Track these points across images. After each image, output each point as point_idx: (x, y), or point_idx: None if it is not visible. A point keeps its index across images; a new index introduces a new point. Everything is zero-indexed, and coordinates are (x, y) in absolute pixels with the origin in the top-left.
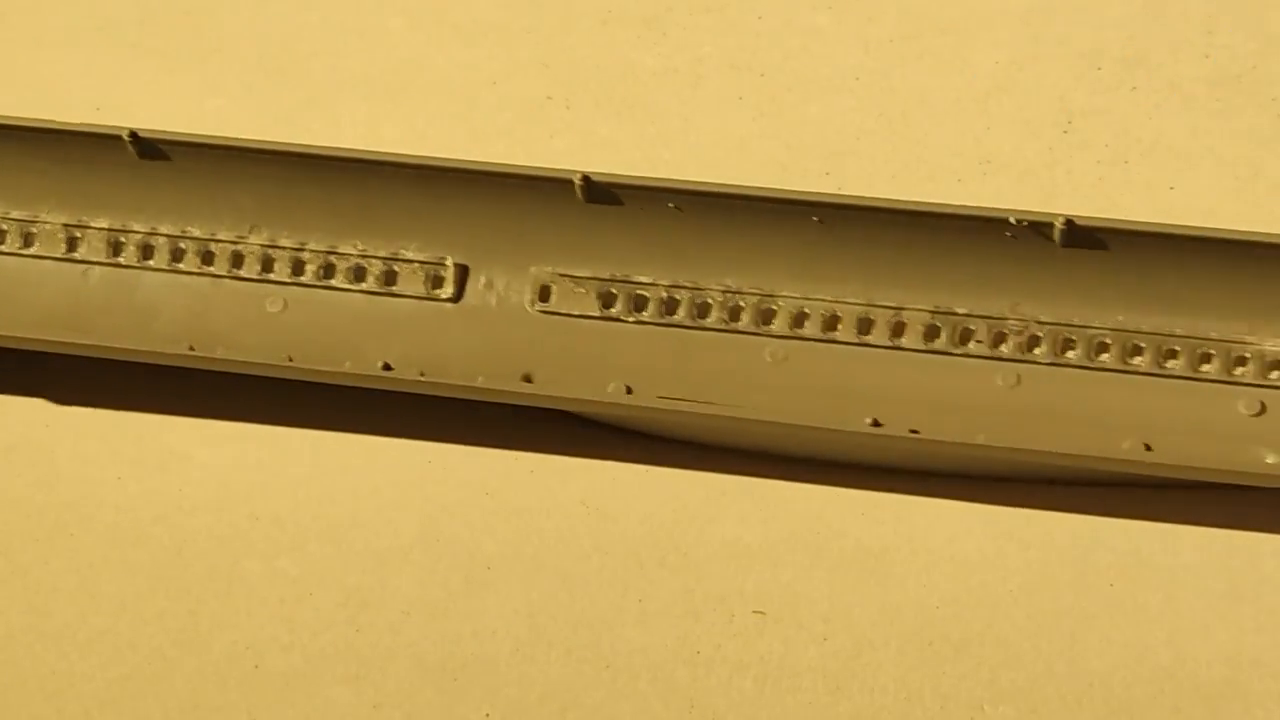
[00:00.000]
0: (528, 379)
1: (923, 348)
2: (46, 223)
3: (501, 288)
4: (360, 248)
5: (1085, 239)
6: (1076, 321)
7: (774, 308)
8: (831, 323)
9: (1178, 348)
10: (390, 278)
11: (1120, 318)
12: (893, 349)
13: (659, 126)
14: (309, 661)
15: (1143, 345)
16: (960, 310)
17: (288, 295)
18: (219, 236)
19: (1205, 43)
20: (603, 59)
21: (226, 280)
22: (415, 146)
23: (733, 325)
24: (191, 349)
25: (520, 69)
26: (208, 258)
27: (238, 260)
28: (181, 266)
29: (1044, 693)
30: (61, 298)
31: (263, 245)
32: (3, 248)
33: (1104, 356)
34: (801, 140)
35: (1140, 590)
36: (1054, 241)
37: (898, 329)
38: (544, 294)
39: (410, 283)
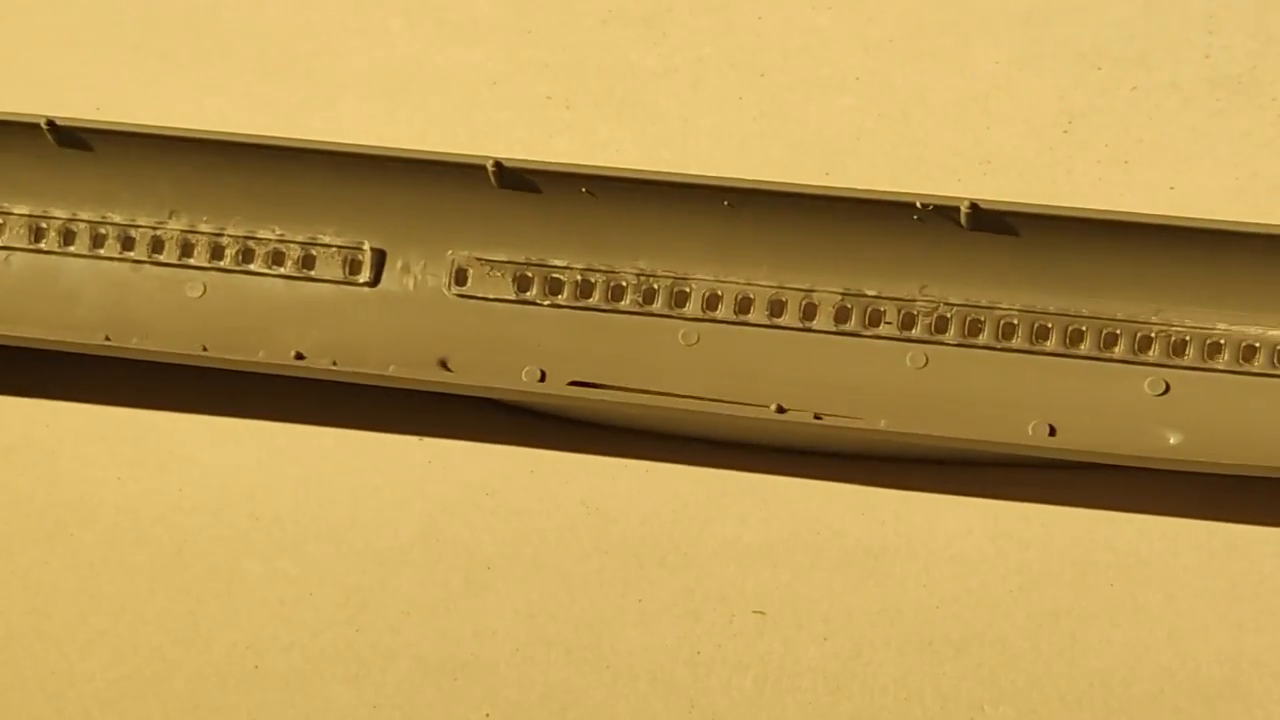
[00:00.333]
0: (444, 364)
1: (834, 329)
2: None
3: (419, 272)
4: (278, 232)
5: (991, 222)
6: (984, 303)
7: (687, 290)
8: (744, 305)
9: (1084, 328)
10: (308, 262)
11: (1027, 299)
12: (804, 331)
13: (659, 126)
14: (309, 661)
15: (1050, 326)
16: (870, 292)
17: (207, 280)
18: (139, 222)
19: (1205, 43)
20: (603, 59)
21: (147, 265)
22: (415, 145)
23: (647, 308)
24: (107, 339)
25: (520, 69)
26: (128, 243)
27: (158, 245)
28: (102, 252)
29: (1044, 693)
30: None
31: (182, 230)
32: None
33: (1013, 339)
34: (801, 140)
35: (1140, 590)
36: (961, 225)
37: (809, 311)
38: (460, 278)
39: (328, 267)
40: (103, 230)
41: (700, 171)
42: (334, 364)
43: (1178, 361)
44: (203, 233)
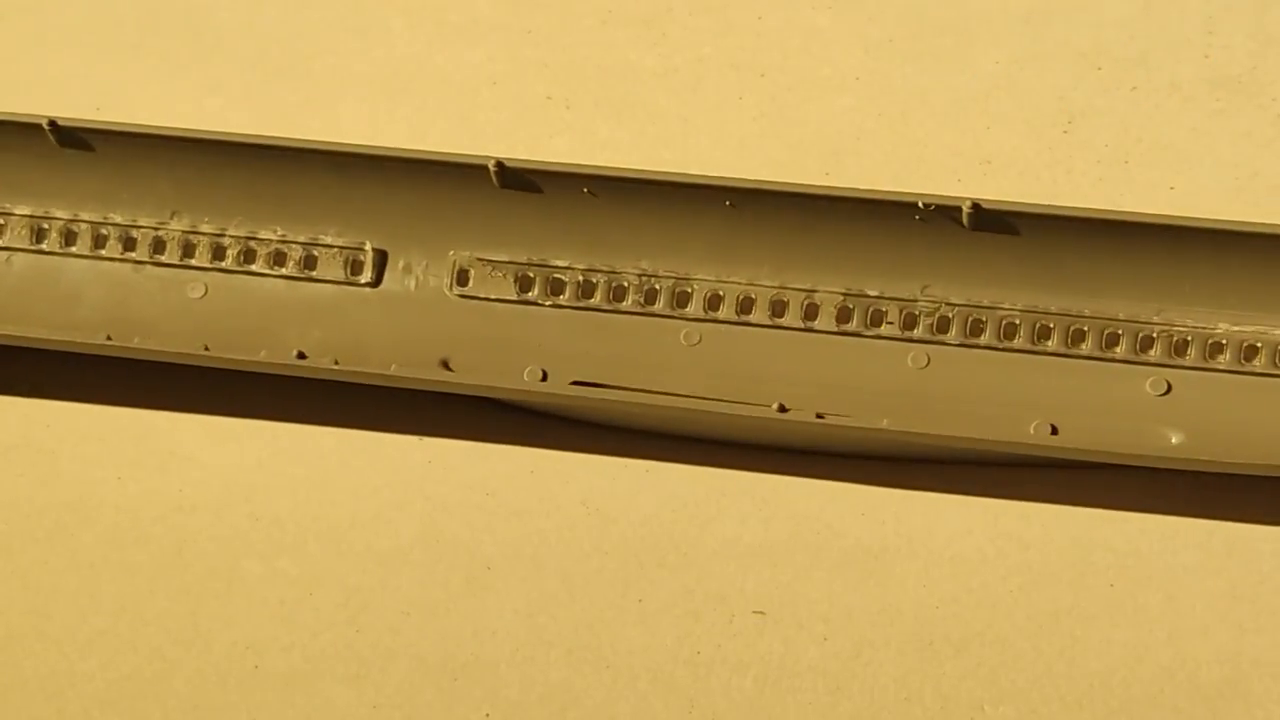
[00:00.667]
0: (446, 364)
1: (835, 329)
2: None
3: (420, 272)
4: (280, 233)
5: (993, 222)
6: (986, 303)
7: (689, 290)
8: (746, 305)
9: (1086, 328)
10: (310, 262)
11: (1029, 299)
12: (806, 331)
13: (659, 126)
14: (309, 661)
15: (1051, 326)
16: (872, 292)
17: (209, 280)
18: (140, 223)
19: (1205, 43)
20: (603, 59)
21: (148, 266)
22: (415, 146)
23: (648, 308)
24: (109, 338)
25: (520, 69)
26: (130, 244)
27: (159, 246)
28: (104, 253)
29: (1044, 693)
30: None
31: (184, 231)
32: None
33: (1014, 339)
34: (801, 140)
35: (1140, 590)
36: (963, 225)
37: (811, 311)
38: (462, 278)
39: (330, 268)
40: (104, 231)
41: (700, 171)
42: (336, 363)
43: (1179, 361)
44: (204, 233)
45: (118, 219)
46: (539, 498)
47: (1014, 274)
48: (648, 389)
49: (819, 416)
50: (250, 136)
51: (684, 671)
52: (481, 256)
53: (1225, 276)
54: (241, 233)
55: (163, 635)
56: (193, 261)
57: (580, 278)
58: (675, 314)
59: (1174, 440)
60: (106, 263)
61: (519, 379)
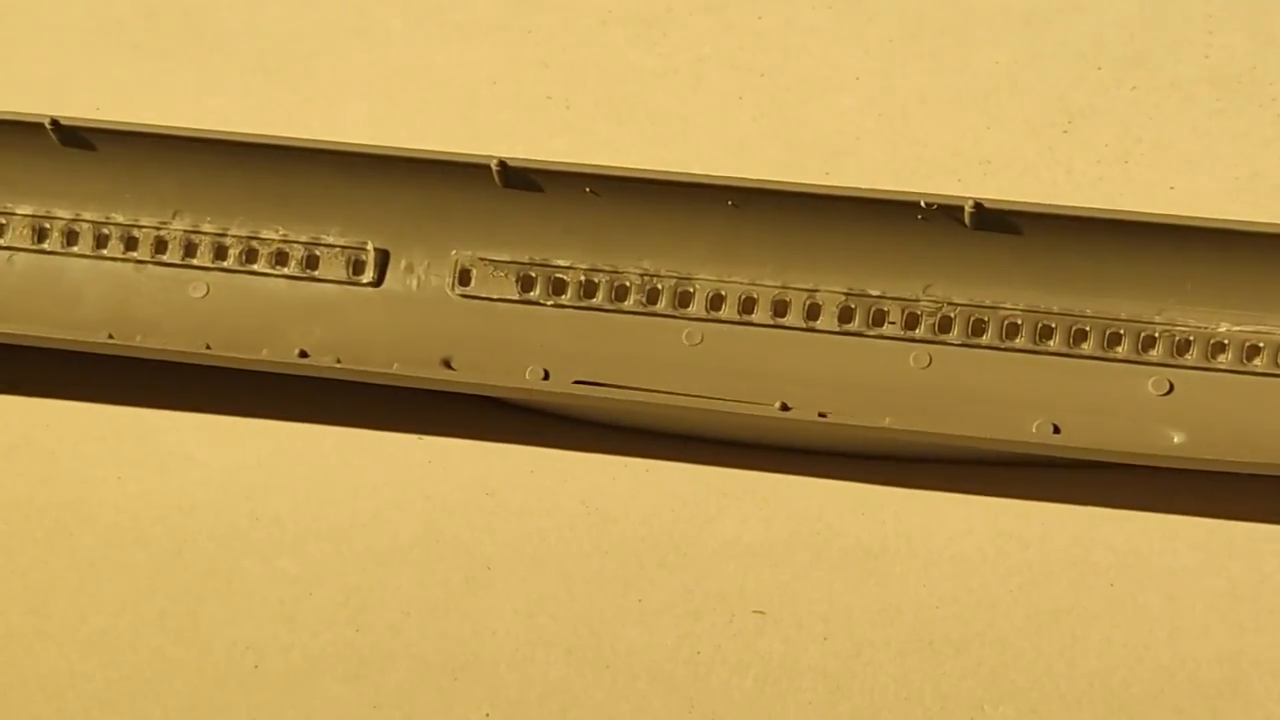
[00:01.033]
0: (448, 363)
1: (837, 329)
2: None
3: (422, 271)
4: (282, 233)
5: (995, 222)
6: (988, 303)
7: (691, 290)
8: (748, 305)
9: (1088, 328)
10: (312, 262)
11: (1031, 299)
12: (808, 331)
13: (659, 126)
14: (309, 661)
15: (1053, 326)
16: (874, 292)
17: (210, 280)
18: (142, 222)
19: (1205, 43)
20: (603, 59)
21: (150, 265)
22: (416, 145)
23: (650, 308)
24: (111, 337)
25: (520, 69)
26: (131, 243)
27: (161, 246)
28: (105, 253)
29: (1044, 693)
30: None
31: (186, 231)
32: None
33: (1016, 339)
34: (801, 140)
35: (1140, 590)
36: (965, 224)
37: (813, 311)
38: (464, 278)
39: (332, 267)
40: (106, 230)
41: (701, 171)
42: (338, 362)
43: (1181, 361)
44: (206, 233)
45: (120, 218)
46: (539, 498)
47: (1016, 273)
48: (650, 388)
49: (821, 416)
50: (252, 136)
51: (684, 671)
52: (483, 256)
53: (1227, 276)
54: (243, 232)
55: (163, 635)
56: (195, 261)
57: (582, 277)
58: (677, 314)
59: (1176, 440)
60: (108, 262)
61: (521, 378)
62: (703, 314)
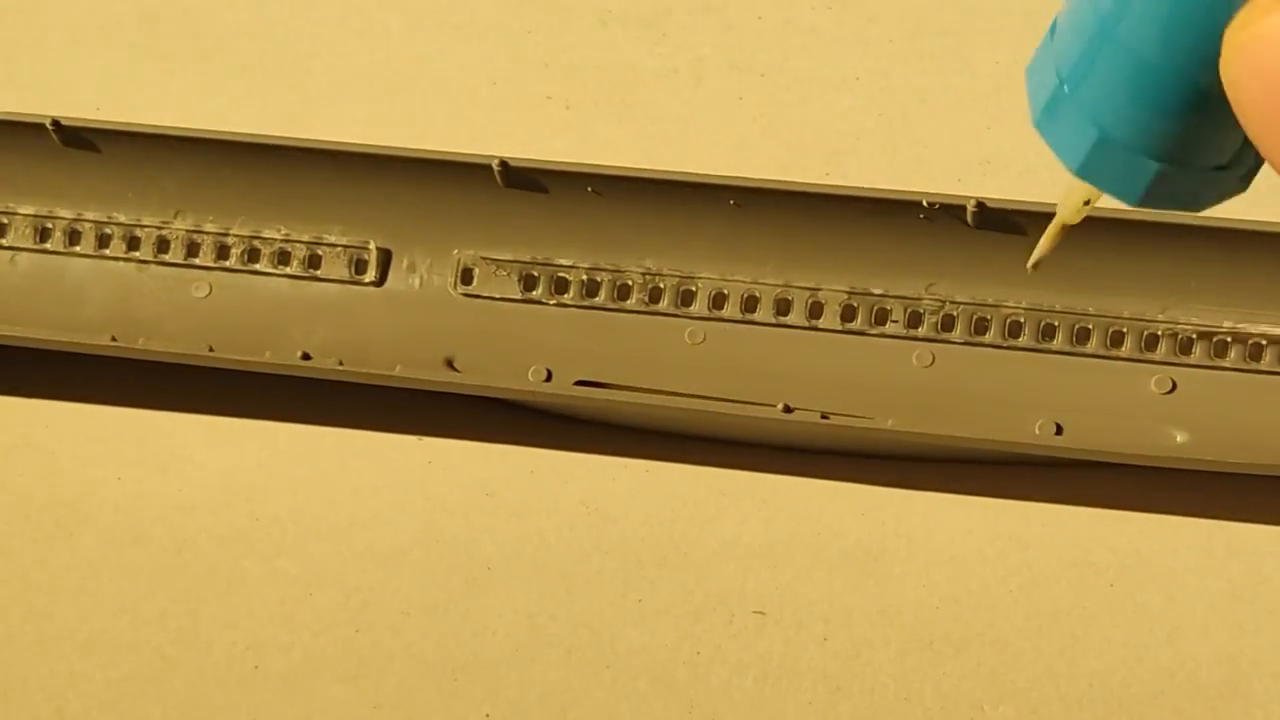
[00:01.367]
0: (450, 363)
1: (840, 328)
2: None
3: (424, 271)
4: (284, 232)
5: (998, 221)
6: (990, 301)
7: (693, 289)
8: (750, 304)
9: (1090, 326)
10: (314, 261)
11: (1034, 298)
12: (810, 330)
13: (659, 126)
14: (309, 661)
15: (1056, 325)
16: (876, 291)
17: (213, 280)
18: (144, 222)
19: None
20: (603, 59)
21: (152, 265)
22: (416, 145)
23: (653, 307)
24: (113, 339)
25: (520, 69)
26: (134, 243)
27: (163, 245)
28: (108, 252)
29: (1044, 693)
30: None
31: (188, 230)
32: None
33: (1019, 337)
34: (801, 140)
35: (1140, 590)
36: (967, 223)
37: (815, 310)
38: (466, 277)
39: (334, 267)
40: (108, 230)
41: (700, 171)
42: (340, 364)
43: (1185, 360)
44: (208, 232)
45: (122, 218)
46: (539, 498)
47: (1018, 272)
48: (652, 388)
49: (824, 417)
50: (254, 136)
51: (684, 671)
52: (486, 255)
53: (1230, 275)
54: (245, 232)
55: (163, 635)
56: (197, 261)
57: (585, 277)
58: (679, 312)
59: (1179, 439)
60: (110, 262)
61: (524, 378)
62: (705, 313)
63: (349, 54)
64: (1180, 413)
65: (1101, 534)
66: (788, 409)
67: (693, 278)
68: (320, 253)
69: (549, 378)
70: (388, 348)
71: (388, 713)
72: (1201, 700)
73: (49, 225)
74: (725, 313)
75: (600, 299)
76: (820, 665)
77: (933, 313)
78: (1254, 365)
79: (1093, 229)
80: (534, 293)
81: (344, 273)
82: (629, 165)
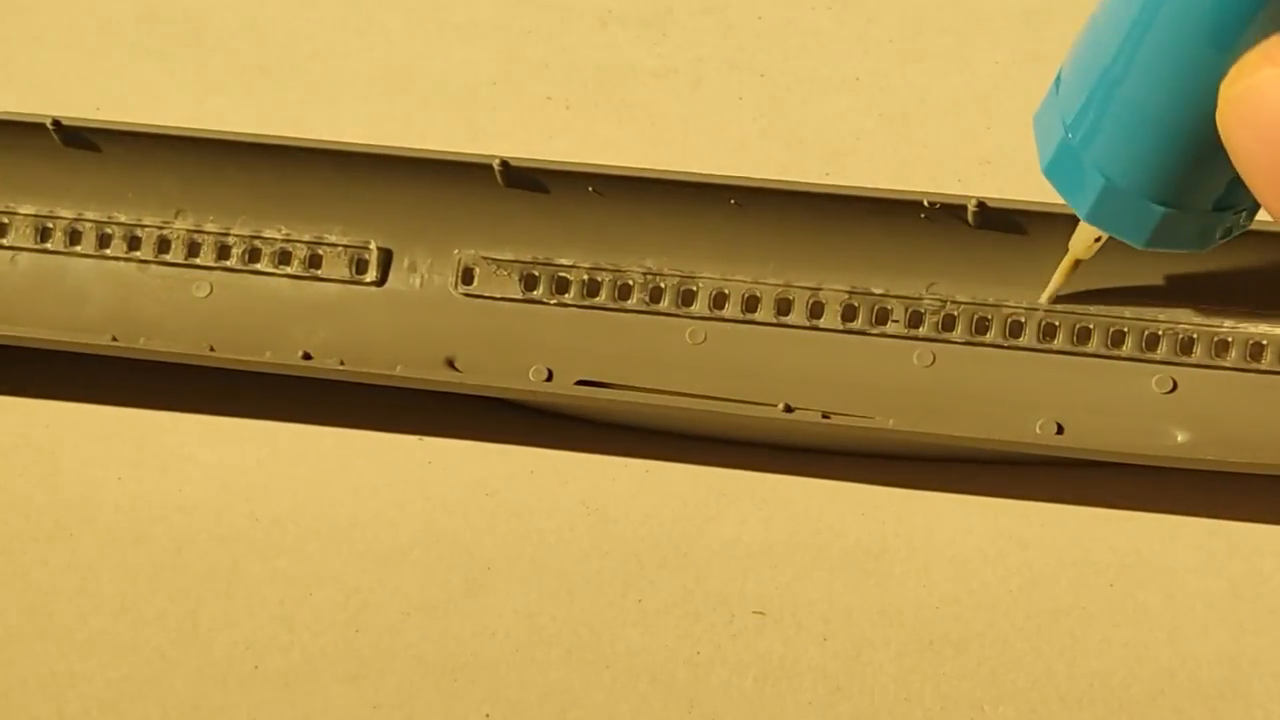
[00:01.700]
0: (451, 363)
1: (840, 328)
2: None
3: (425, 271)
4: (285, 232)
5: (999, 220)
6: (991, 301)
7: (694, 289)
8: (751, 304)
9: (1091, 326)
10: (315, 261)
11: (1035, 297)
12: (811, 329)
13: (659, 126)
14: (309, 661)
15: (1057, 324)
16: (877, 290)
17: (214, 280)
18: (145, 222)
19: None
20: (603, 59)
21: (153, 265)
22: (415, 145)
23: (653, 307)
24: (114, 339)
25: (520, 69)
26: (134, 243)
27: (164, 245)
28: (108, 252)
29: (1044, 693)
30: None
31: (188, 230)
32: None
33: (1020, 337)
34: (801, 140)
35: (1140, 590)
36: (968, 223)
37: (816, 309)
38: (467, 277)
39: (335, 267)
40: (109, 230)
41: (701, 171)
42: (341, 364)
43: (1185, 359)
44: (209, 232)
45: (122, 218)
46: (539, 498)
47: (1019, 272)
48: (653, 388)
49: (825, 416)
50: (255, 136)
51: (684, 671)
52: (486, 255)
53: (1231, 274)
54: (246, 231)
55: (163, 635)
56: (197, 260)
57: (585, 276)
58: (680, 312)
59: (1180, 439)
60: (111, 262)
61: (524, 378)
62: (706, 312)
63: (349, 54)
64: (1181, 412)
65: (1101, 534)
66: (788, 408)
67: (693, 277)
68: (321, 253)
69: (550, 377)
70: (388, 347)
71: (388, 713)
72: (1201, 700)
73: (49, 225)
74: (726, 312)
75: (601, 299)
76: (820, 665)
77: (934, 312)
78: (1254, 365)
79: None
80: (535, 292)
81: (345, 273)
82: (629, 165)
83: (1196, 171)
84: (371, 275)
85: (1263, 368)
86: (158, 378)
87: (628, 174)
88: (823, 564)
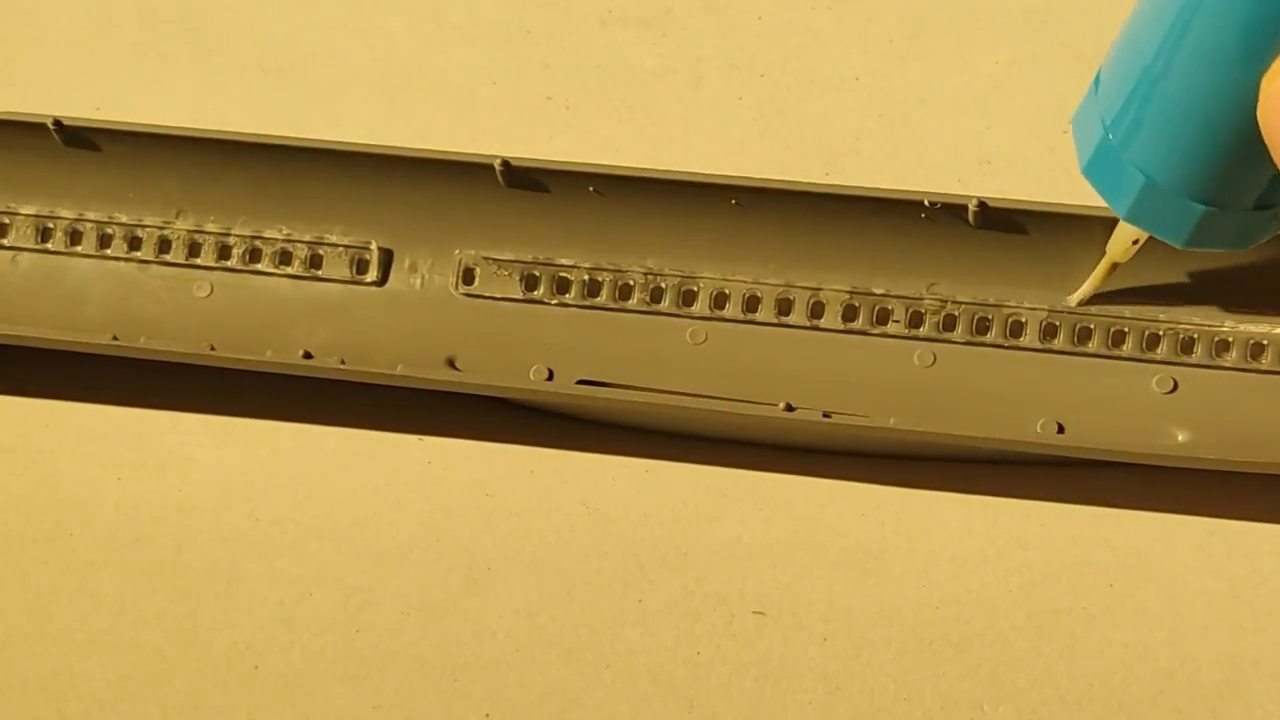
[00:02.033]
0: (452, 363)
1: (841, 328)
2: None
3: (426, 271)
4: (285, 232)
5: (999, 220)
6: (992, 301)
7: (694, 289)
8: (752, 304)
9: (1092, 326)
10: (315, 261)
11: (1035, 297)
12: (812, 329)
13: (659, 126)
14: (309, 661)
15: (1058, 324)
16: (878, 290)
17: (214, 280)
18: (146, 222)
19: None
20: (603, 59)
21: (154, 265)
22: (415, 145)
23: (654, 307)
24: (115, 338)
25: (520, 69)
26: (135, 243)
27: (165, 245)
28: (109, 252)
29: (1044, 693)
30: None
31: (189, 230)
32: None
33: (1021, 337)
34: (801, 140)
35: (1140, 590)
36: (969, 223)
37: (816, 309)
38: (468, 277)
39: (335, 267)
40: (109, 230)
41: (701, 171)
42: (342, 363)
43: (1185, 359)
44: (210, 232)
45: (123, 218)
46: (539, 498)
47: (1020, 272)
48: (654, 388)
49: (826, 416)
50: (256, 136)
51: (684, 671)
52: (487, 255)
53: (1231, 274)
54: (247, 232)
55: (163, 635)
56: (198, 260)
57: (586, 276)
58: (681, 312)
59: (1180, 438)
60: (112, 262)
61: (525, 378)
62: (706, 312)
63: (349, 54)
64: (1181, 412)
65: (1101, 533)
66: (789, 408)
67: (694, 277)
68: (322, 253)
69: (550, 377)
70: (389, 347)
71: (388, 713)
72: (1201, 700)
73: (50, 225)
74: (727, 312)
75: (602, 299)
76: (820, 665)
77: (934, 312)
78: (1254, 364)
79: (1095, 228)
80: (535, 292)
81: (345, 273)
82: (630, 165)
83: (1237, 168)
84: (372, 275)
85: (1263, 368)
86: (158, 377)
87: (628, 174)
88: (823, 564)
